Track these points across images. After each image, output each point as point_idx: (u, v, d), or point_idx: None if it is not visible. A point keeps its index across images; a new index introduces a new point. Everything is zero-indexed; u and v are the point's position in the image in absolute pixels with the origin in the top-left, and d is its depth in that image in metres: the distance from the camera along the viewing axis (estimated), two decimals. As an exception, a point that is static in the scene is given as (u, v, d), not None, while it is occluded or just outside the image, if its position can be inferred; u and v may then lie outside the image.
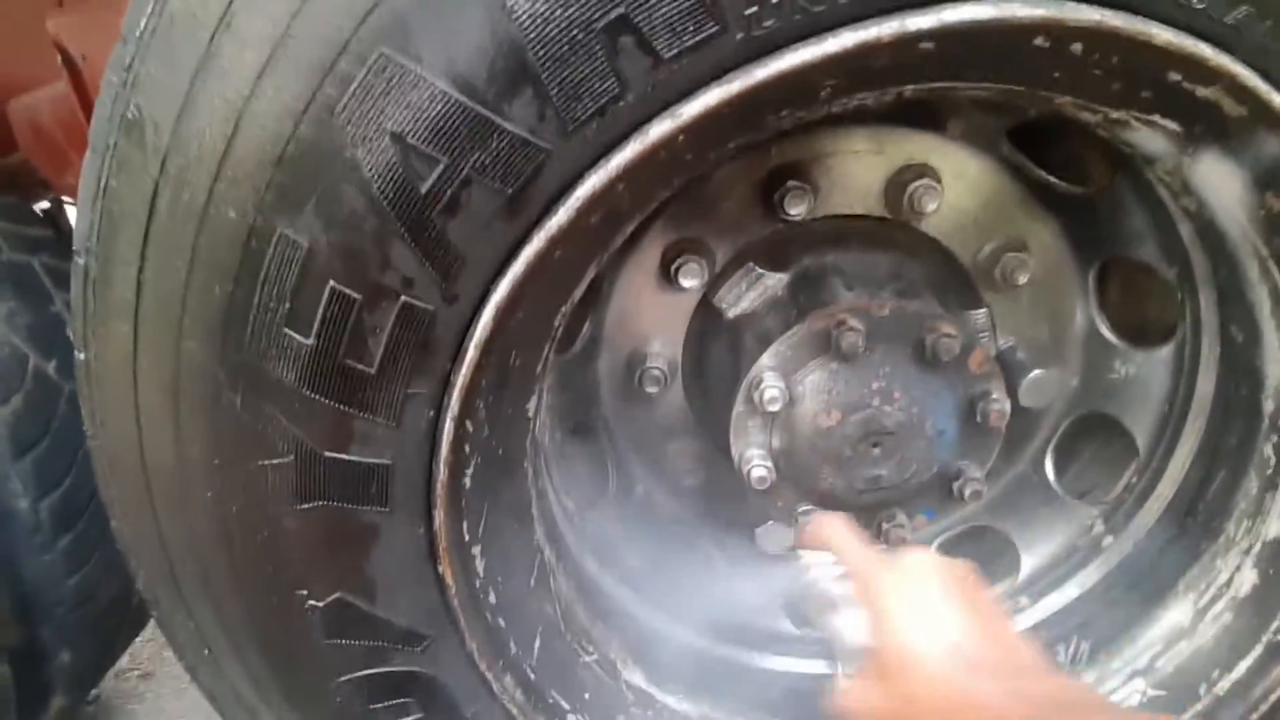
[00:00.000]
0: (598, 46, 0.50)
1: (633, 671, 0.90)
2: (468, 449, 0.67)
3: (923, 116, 0.83)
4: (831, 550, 0.68)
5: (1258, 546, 0.83)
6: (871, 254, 0.88)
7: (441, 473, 0.67)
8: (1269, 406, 0.79)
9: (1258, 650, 0.83)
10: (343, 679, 0.72)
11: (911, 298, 0.83)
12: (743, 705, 0.94)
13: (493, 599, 0.77)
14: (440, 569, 0.71)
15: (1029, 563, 0.99)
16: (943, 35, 0.52)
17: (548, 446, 0.88)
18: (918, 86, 0.60)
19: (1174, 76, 0.57)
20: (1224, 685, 0.85)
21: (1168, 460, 0.90)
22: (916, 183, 0.84)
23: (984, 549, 1.00)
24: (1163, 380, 0.90)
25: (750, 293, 0.88)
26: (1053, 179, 0.85)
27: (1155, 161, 0.67)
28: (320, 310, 0.58)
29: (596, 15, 0.49)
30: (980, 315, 0.90)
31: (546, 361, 0.71)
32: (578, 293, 0.65)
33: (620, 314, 0.89)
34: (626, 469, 0.96)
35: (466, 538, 0.72)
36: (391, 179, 0.55)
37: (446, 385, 0.62)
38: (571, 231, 0.57)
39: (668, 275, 0.87)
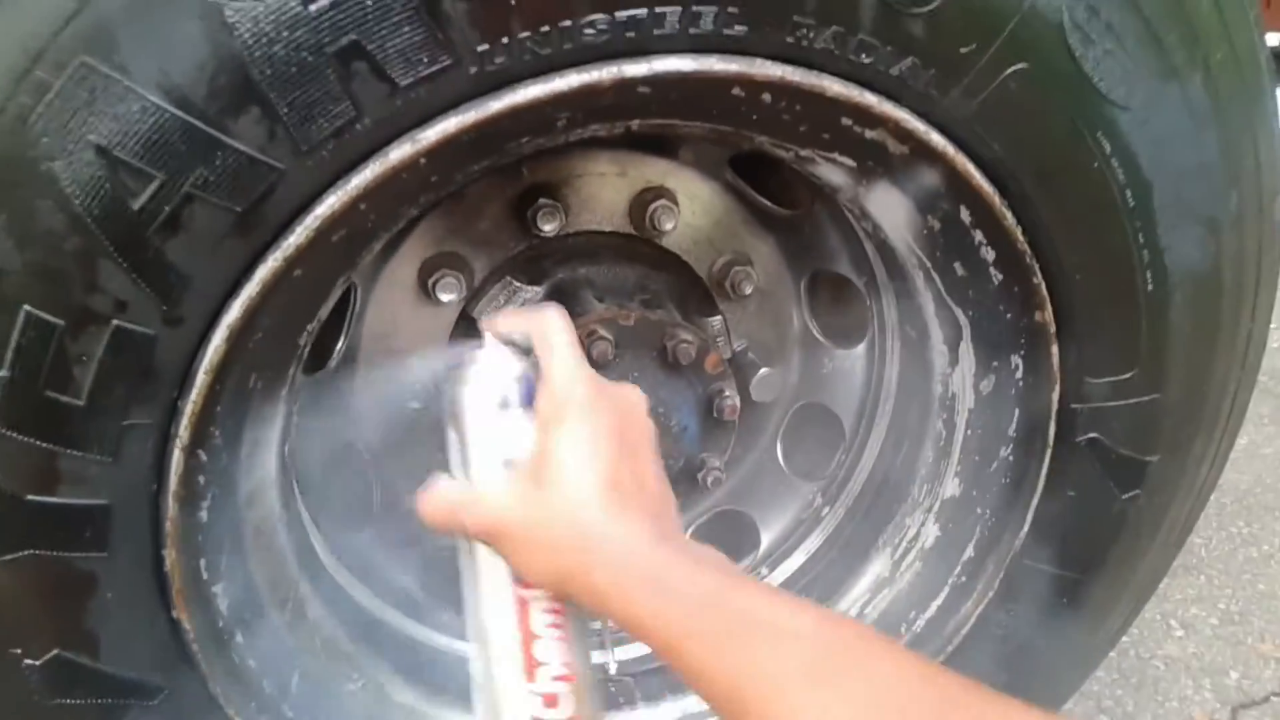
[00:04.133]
0: (329, 70, 0.50)
1: (403, 693, 0.89)
2: (202, 481, 0.62)
3: (659, 144, 0.92)
4: (537, 342, 0.55)
5: (937, 505, 1.00)
6: (619, 268, 0.95)
7: (171, 509, 0.62)
8: (937, 390, 0.97)
9: (945, 592, 0.99)
10: (72, 742, 0.64)
11: (655, 308, 0.91)
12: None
13: (240, 639, 0.72)
14: (175, 614, 0.66)
15: (767, 538, 1.12)
16: (655, 82, 0.58)
17: (300, 469, 0.84)
18: (643, 121, 0.66)
19: (846, 121, 0.68)
20: (920, 624, 1.02)
21: (867, 439, 1.07)
22: (656, 203, 0.92)
23: (731, 530, 1.12)
24: (860, 372, 1.06)
25: (508, 306, 0.91)
26: (767, 203, 0.97)
27: (839, 191, 0.80)
28: (14, 338, 0.52)
29: (327, 40, 0.49)
30: (716, 321, 1.00)
31: (293, 382, 0.68)
32: (324, 311, 0.64)
33: (377, 329, 0.88)
34: (390, 488, 0.95)
35: (205, 577, 0.68)
36: (97, 195, 0.50)
37: (174, 414, 0.58)
38: (312, 250, 0.56)
39: (425, 290, 0.88)
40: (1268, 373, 2.21)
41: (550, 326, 0.55)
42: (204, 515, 0.65)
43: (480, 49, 0.52)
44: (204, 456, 0.61)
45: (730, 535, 1.11)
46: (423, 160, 0.56)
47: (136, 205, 0.51)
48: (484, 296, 0.91)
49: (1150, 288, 0.73)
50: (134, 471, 0.59)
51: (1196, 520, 0.95)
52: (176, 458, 0.60)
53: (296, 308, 0.61)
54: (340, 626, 0.84)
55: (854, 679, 0.43)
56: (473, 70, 0.53)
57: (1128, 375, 0.78)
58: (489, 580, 0.54)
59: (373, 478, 0.93)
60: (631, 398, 0.56)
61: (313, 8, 0.48)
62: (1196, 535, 1.65)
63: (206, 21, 0.48)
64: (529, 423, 0.53)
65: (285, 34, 0.49)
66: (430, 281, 0.87)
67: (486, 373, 0.55)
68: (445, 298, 0.87)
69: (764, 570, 1.11)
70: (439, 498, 0.54)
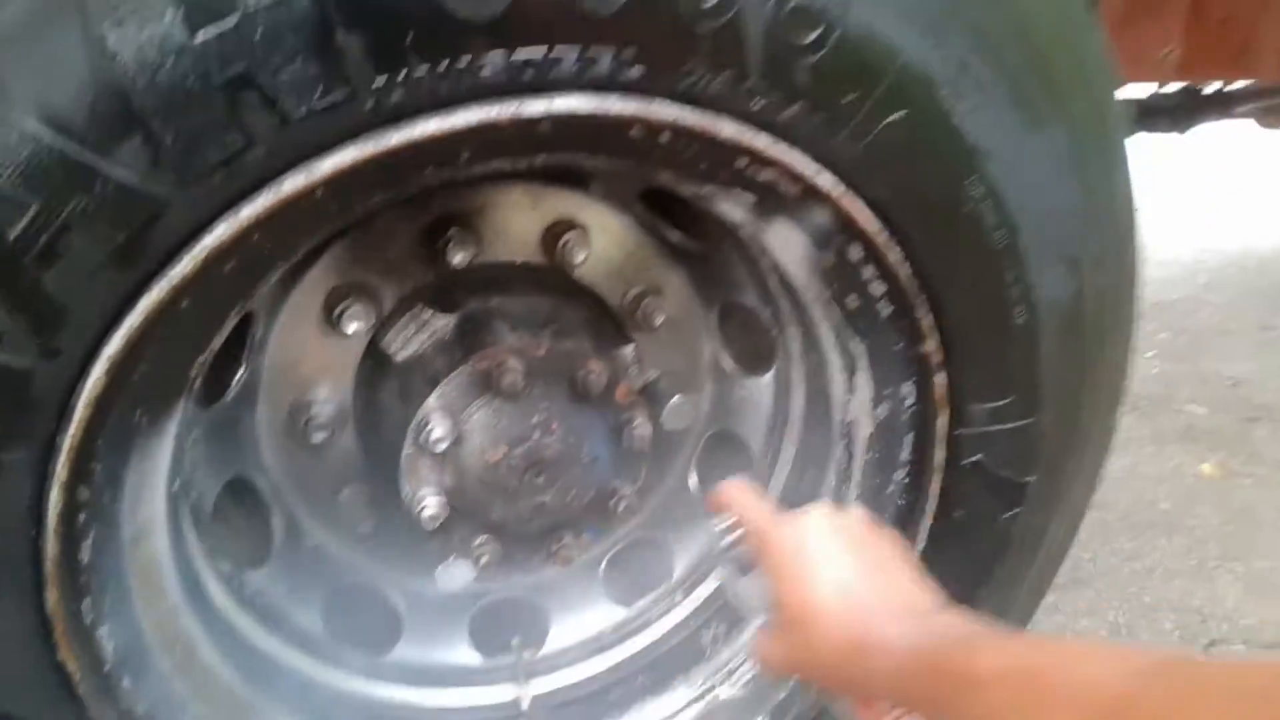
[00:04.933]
0: (217, 101, 0.50)
1: (303, 734, 0.86)
2: (83, 518, 0.60)
3: (571, 177, 0.93)
4: (733, 512, 0.70)
5: (840, 528, 1.05)
6: (531, 298, 0.95)
7: (51, 548, 0.59)
8: (837, 416, 1.01)
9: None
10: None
11: (566, 338, 0.92)
12: (425, 745, 0.94)
13: (127, 684, 0.69)
14: (59, 657, 0.62)
15: (681, 564, 1.13)
16: (554, 120, 0.60)
17: (194, 506, 0.81)
18: (548, 156, 0.68)
19: (741, 161, 0.71)
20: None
21: (775, 465, 1.10)
22: (567, 235, 0.94)
23: (646, 558, 1.13)
24: (768, 400, 1.10)
25: (419, 336, 0.91)
26: (678, 236, 1.00)
27: (740, 226, 0.83)
28: None
29: (214, 70, 0.49)
30: (628, 351, 1.02)
31: (184, 416, 0.66)
32: (216, 342, 0.62)
33: (280, 360, 0.86)
34: (294, 523, 0.92)
35: (89, 619, 0.64)
36: (-32, 222, 0.48)
37: (51, 449, 0.56)
38: (200, 281, 0.55)
39: (331, 320, 0.87)
40: (1146, 397, 2.37)
41: (744, 505, 0.70)
42: (86, 555, 0.62)
43: (376, 83, 0.53)
44: (85, 494, 0.59)
45: (645, 563, 1.12)
46: (319, 191, 0.56)
47: (11, 235, 0.50)
48: (393, 326, 0.90)
49: (1022, 321, 0.79)
50: (10, 510, 0.57)
51: (1074, 536, 1.01)
52: (55, 495, 0.58)
53: (185, 339, 0.59)
54: (235, 670, 0.81)
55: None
56: (369, 104, 0.54)
57: (1005, 401, 0.83)
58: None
59: (273, 514, 0.90)
60: (825, 520, 0.64)
61: (199, 38, 0.48)
62: (1084, 551, 1.75)
63: (88, 48, 0.47)
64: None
65: (170, 63, 0.48)
66: (336, 311, 0.86)
67: (720, 547, 0.73)
68: (352, 327, 0.86)
69: (678, 597, 1.12)
70: (769, 660, 0.65)
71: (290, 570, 0.93)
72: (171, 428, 0.66)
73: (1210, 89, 2.47)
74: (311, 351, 0.87)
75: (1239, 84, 2.42)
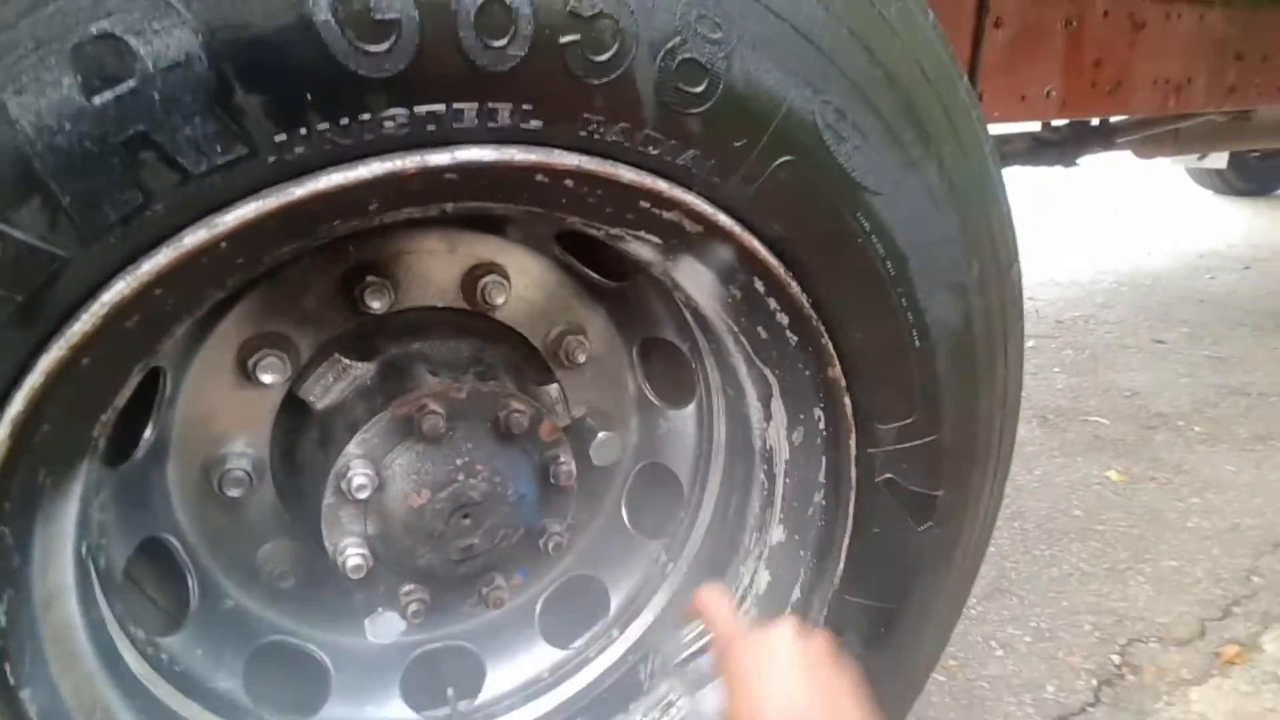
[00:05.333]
0: (115, 160, 0.50)
1: (227, 803, 0.83)
2: (-8, 584, 0.58)
3: (488, 222, 0.95)
4: (705, 620, 0.74)
5: (766, 552, 1.07)
6: (452, 342, 0.96)
7: (-42, 615, 0.57)
8: (757, 443, 1.05)
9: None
10: None
11: (489, 379, 0.93)
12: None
13: (43, 753, 0.66)
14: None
15: (616, 599, 1.14)
16: (460, 169, 0.62)
17: (104, 570, 0.78)
18: (457, 204, 0.70)
19: (644, 204, 0.75)
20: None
21: (703, 494, 1.12)
22: (486, 278, 0.96)
23: (582, 595, 1.13)
24: (693, 431, 1.13)
25: (338, 384, 0.90)
26: (595, 275, 1.03)
27: (651, 265, 0.86)
28: None
29: (112, 131, 0.50)
30: (553, 390, 1.04)
31: (90, 476, 0.65)
32: (120, 399, 0.62)
33: (191, 415, 0.85)
34: (211, 583, 0.90)
35: (12, 682, 0.62)
36: None
37: (-50, 516, 0.54)
38: (101, 337, 0.55)
39: (245, 372, 0.86)
40: (1055, 410, 2.51)
41: (718, 615, 0.74)
42: (1, 619, 0.60)
43: (278, 139, 0.54)
44: (-13, 560, 0.57)
45: (581, 600, 1.12)
46: (223, 244, 0.57)
47: (-100, 298, 0.49)
48: (311, 375, 0.90)
49: (918, 343, 0.84)
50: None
51: (986, 545, 1.07)
52: (-47, 563, 0.56)
53: (87, 397, 0.58)
54: (152, 739, 0.78)
55: None
56: (271, 159, 0.55)
57: (909, 420, 0.88)
58: None
59: (189, 575, 0.87)
60: (791, 643, 0.67)
61: (96, 101, 0.49)
62: (1005, 560, 1.83)
63: (-16, 115, 0.47)
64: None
65: (69, 126, 0.49)
66: (251, 362, 0.85)
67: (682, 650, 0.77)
68: (268, 379, 0.86)
69: (614, 633, 1.12)
70: None
71: (208, 633, 0.90)
72: (76, 489, 0.65)
73: (1094, 123, 2.68)
74: (225, 405, 0.86)
75: (1118, 118, 2.62)
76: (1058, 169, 2.75)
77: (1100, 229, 4.72)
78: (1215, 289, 3.72)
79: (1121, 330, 3.24)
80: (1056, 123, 2.62)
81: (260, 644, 0.95)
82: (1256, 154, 4.60)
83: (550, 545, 0.99)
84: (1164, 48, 1.89)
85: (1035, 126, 2.62)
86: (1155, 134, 2.71)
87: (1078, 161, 2.74)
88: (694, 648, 0.77)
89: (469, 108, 0.60)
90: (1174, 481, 2.16)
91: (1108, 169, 4.19)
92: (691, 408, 1.12)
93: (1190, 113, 2.31)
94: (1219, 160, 4.59)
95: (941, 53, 0.82)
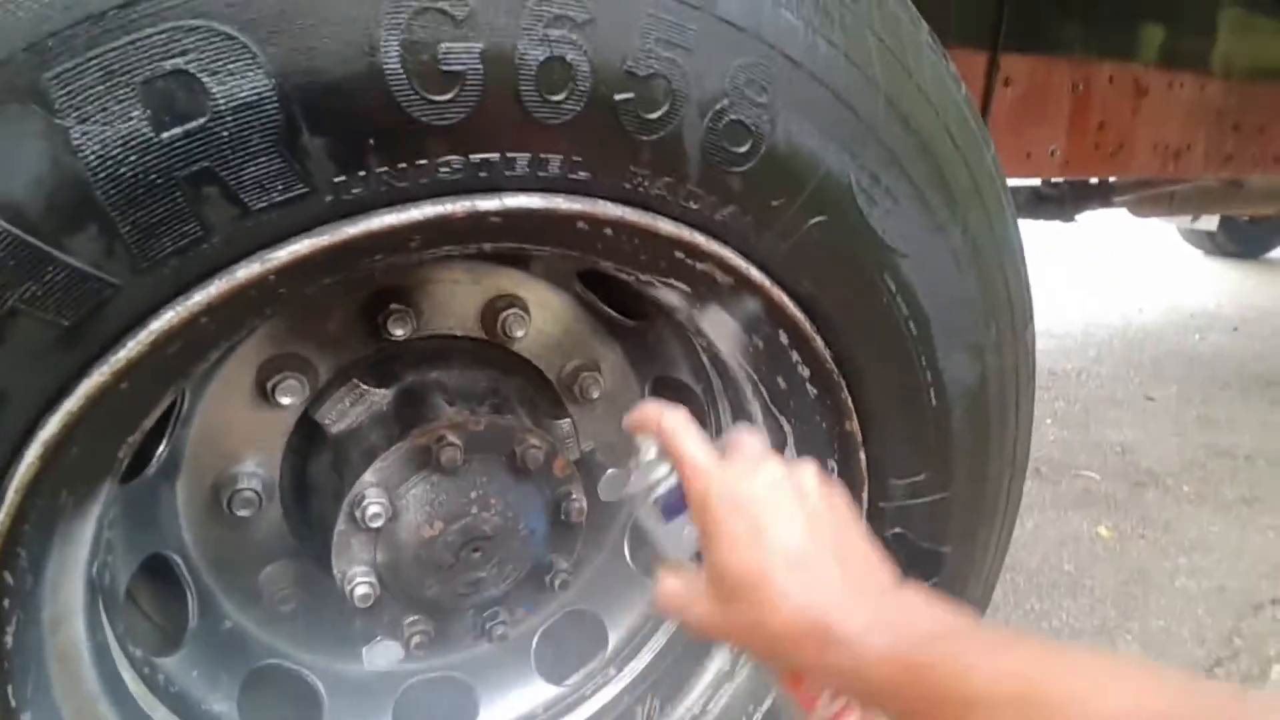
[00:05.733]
0: (178, 193, 0.51)
1: (221, 829, 0.81)
2: (7, 604, 0.57)
3: (511, 257, 0.96)
4: (665, 447, 0.56)
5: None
6: (470, 372, 0.97)
7: (-31, 637, 0.56)
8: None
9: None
10: None
11: (505, 412, 0.93)
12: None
13: (42, 776, 0.65)
14: (-18, 745, 0.59)
15: (615, 637, 1.13)
16: (506, 214, 0.63)
17: (109, 589, 0.77)
18: (495, 244, 0.71)
19: (679, 254, 0.76)
20: (757, 716, 1.07)
21: (707, 536, 1.13)
22: (507, 310, 0.96)
23: (579, 631, 1.12)
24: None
25: (354, 409, 0.90)
26: (614, 313, 1.04)
27: (676, 310, 0.88)
28: None
29: (178, 166, 0.50)
30: (565, 424, 1.04)
31: (105, 495, 0.65)
32: (148, 422, 0.62)
33: (206, 434, 0.85)
34: (212, 603, 0.89)
35: (14, 704, 0.61)
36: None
37: (-25, 536, 0.54)
38: (143, 363, 0.55)
39: (263, 392, 0.86)
40: (1046, 463, 2.53)
41: (676, 436, 0.55)
42: (8, 641, 0.59)
43: (337, 180, 0.55)
44: (9, 579, 0.57)
45: (579, 636, 1.12)
46: (272, 277, 0.57)
47: (-49, 318, 0.49)
48: (328, 399, 0.90)
49: (934, 402, 0.86)
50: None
51: (989, 599, 1.07)
52: (-25, 583, 0.55)
53: (119, 420, 0.59)
54: (149, 762, 0.77)
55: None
56: (328, 199, 0.56)
57: (921, 476, 0.89)
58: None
59: (190, 595, 0.87)
60: (775, 474, 0.52)
61: (164, 135, 0.50)
62: (998, 613, 1.83)
63: (49, 141, 0.48)
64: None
65: (134, 158, 0.49)
66: (270, 383, 0.85)
67: (645, 485, 0.58)
68: (285, 400, 0.86)
69: (611, 671, 1.12)
70: (669, 596, 0.54)
71: (205, 655, 0.89)
72: (95, 509, 0.64)
73: (1093, 181, 2.74)
74: (240, 424, 0.86)
75: (1116, 178, 2.68)
76: (1056, 223, 2.81)
77: (1094, 283, 4.80)
78: (1205, 349, 3.78)
79: (1113, 385, 3.28)
80: (1056, 179, 2.68)
81: (256, 667, 0.94)
82: (1247, 218, 4.71)
83: (556, 581, 0.98)
84: (1165, 115, 1.94)
85: (1036, 181, 2.67)
86: (1152, 194, 2.78)
87: (1076, 217, 2.79)
88: (663, 475, 0.57)
89: (522, 157, 0.61)
90: (1162, 540, 2.18)
91: (1103, 225, 4.26)
92: (700, 448, 1.12)
93: (1187, 178, 2.37)
94: (1210, 223, 4.70)
95: (971, 121, 0.84)
